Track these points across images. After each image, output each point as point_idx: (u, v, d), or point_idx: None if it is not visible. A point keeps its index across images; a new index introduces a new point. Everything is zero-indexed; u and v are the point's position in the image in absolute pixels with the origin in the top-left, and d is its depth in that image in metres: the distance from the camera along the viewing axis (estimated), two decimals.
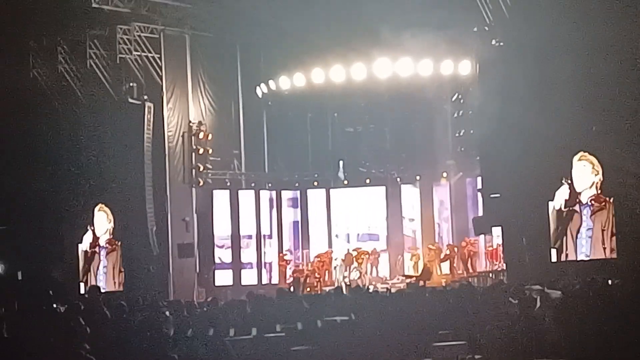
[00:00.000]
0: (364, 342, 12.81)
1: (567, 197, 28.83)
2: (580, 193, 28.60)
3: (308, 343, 13.34)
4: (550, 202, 29.10)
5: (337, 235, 41.32)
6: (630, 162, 26.77)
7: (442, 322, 15.62)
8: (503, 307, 15.96)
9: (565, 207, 28.89)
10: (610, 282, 19.04)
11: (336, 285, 36.09)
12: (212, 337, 13.30)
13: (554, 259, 29.06)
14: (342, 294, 20.48)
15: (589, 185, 28.46)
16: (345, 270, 38.85)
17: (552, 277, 24.15)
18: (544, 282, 22.03)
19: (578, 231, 28.56)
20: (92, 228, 37.34)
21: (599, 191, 28.17)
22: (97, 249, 37.29)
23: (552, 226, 29.06)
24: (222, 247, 38.82)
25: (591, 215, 28.31)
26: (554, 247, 29.02)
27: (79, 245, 37.50)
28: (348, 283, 36.31)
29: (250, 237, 39.92)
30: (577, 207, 28.63)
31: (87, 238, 37.50)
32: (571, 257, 28.74)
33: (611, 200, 27.81)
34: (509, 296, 17.16)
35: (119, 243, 36.69)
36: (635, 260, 25.33)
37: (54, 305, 17.19)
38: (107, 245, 36.97)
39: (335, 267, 39.19)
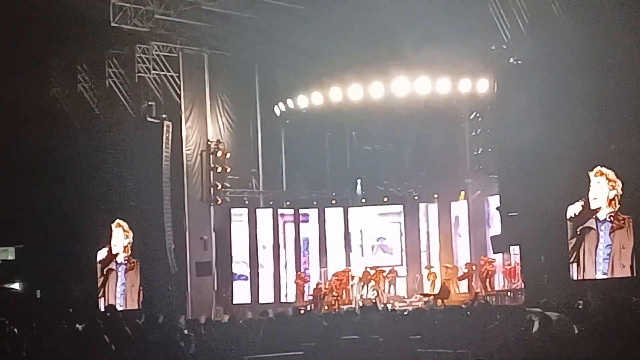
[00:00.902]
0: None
1: (583, 215, 28.72)
2: (597, 209, 28.51)
3: None
4: (568, 221, 29.02)
5: (351, 251, 41.33)
6: None
7: (461, 341, 15.59)
8: (521, 325, 15.92)
9: (582, 225, 28.78)
10: (634, 299, 18.98)
11: (354, 303, 36.09)
12: (230, 356, 13.33)
13: (573, 277, 28.95)
14: (360, 312, 20.48)
15: (606, 202, 28.36)
16: (363, 289, 38.75)
17: (571, 295, 24.10)
18: (563, 301, 21.98)
19: (596, 249, 28.43)
20: (111, 246, 37.42)
21: (618, 207, 28.08)
22: (115, 267, 37.35)
23: (570, 244, 28.97)
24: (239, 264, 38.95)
25: (610, 233, 28.19)
26: (572, 263, 28.88)
27: (98, 263, 37.58)
28: (362, 303, 36.24)
29: (268, 254, 39.95)
30: (594, 225, 28.51)
31: (106, 256, 37.56)
32: (590, 276, 28.62)
33: (630, 219, 27.70)
34: (528, 315, 17.12)
35: (137, 261, 36.75)
36: None
37: (73, 324, 17.25)
38: (126, 263, 37.03)
39: (352, 286, 39.08)
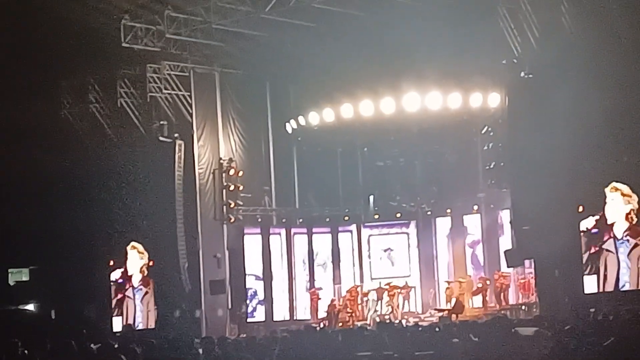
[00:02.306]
0: None
1: (598, 229, 28.64)
2: (613, 225, 28.43)
3: None
4: (582, 234, 28.95)
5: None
6: None
7: (476, 356, 15.54)
8: (536, 340, 15.88)
9: (599, 243, 28.64)
10: None
11: (369, 320, 36.07)
12: None
13: (587, 290, 28.86)
14: (376, 328, 20.44)
15: (622, 217, 28.28)
16: (377, 305, 38.69)
17: (585, 309, 24.05)
18: (579, 314, 21.93)
19: (616, 269, 28.26)
20: (125, 266, 37.48)
21: (635, 221, 27.99)
22: (129, 287, 37.41)
23: (584, 257, 28.88)
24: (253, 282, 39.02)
25: (629, 254, 28.03)
26: (587, 274, 28.76)
27: (112, 283, 37.64)
28: (379, 319, 36.20)
29: (281, 272, 40.00)
30: (612, 247, 28.32)
31: (120, 276, 37.62)
32: (607, 289, 28.51)
33: None
34: (543, 329, 17.07)
35: (152, 280, 36.79)
36: None
37: (87, 344, 17.25)
38: (141, 283, 37.08)
39: (367, 301, 39.02)
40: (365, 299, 39.15)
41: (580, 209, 28.94)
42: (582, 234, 28.94)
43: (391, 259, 41.69)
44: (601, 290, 28.54)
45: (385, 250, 41.72)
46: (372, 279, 40.80)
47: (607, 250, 28.39)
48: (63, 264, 36.26)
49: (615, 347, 12.72)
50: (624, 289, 28.15)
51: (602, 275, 28.43)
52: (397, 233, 41.78)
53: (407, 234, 41.70)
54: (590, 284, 28.87)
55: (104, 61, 36.05)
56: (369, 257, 41.64)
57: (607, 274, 28.33)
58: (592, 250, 28.61)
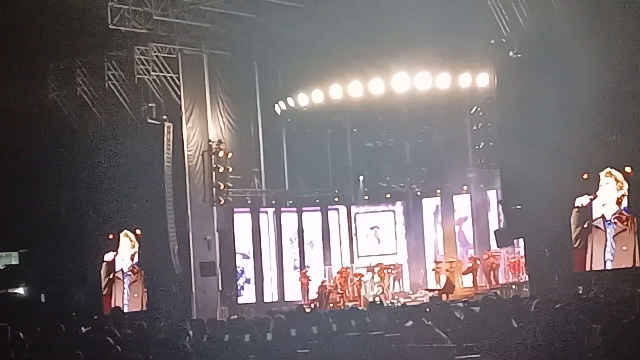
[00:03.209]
0: (387, 357, 12.77)
1: (591, 208, 28.73)
2: (604, 206, 28.51)
3: (332, 359, 13.32)
4: (575, 210, 29.03)
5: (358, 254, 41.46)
6: None
7: (466, 335, 15.56)
8: (526, 318, 15.91)
9: (591, 220, 28.75)
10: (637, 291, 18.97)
11: (361, 301, 36.13)
12: (236, 355, 13.30)
13: (577, 269, 28.93)
14: (367, 309, 20.47)
15: (613, 201, 28.37)
16: (375, 285, 38.76)
17: (575, 288, 24.12)
18: (569, 293, 21.99)
19: (604, 251, 28.42)
20: (115, 249, 37.41)
21: (623, 207, 28.08)
22: (121, 275, 37.34)
23: (575, 232, 28.96)
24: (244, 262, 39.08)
25: (614, 236, 28.20)
26: (576, 248, 28.88)
27: (102, 266, 37.56)
28: (377, 299, 36.29)
29: (271, 253, 40.03)
30: (602, 225, 28.48)
31: (110, 258, 37.55)
32: (595, 267, 28.60)
33: (634, 219, 27.71)
34: (532, 307, 17.10)
35: (142, 263, 36.72)
36: None
37: (77, 327, 17.25)
38: (130, 270, 37.01)
39: (365, 282, 39.08)
40: (364, 280, 39.13)
41: (570, 188, 28.93)
42: (576, 209, 28.99)
43: (377, 237, 41.80)
44: (590, 267, 28.61)
45: (371, 228, 41.83)
46: (358, 256, 40.98)
47: (597, 227, 28.50)
48: (52, 248, 36.24)
49: (604, 327, 12.75)
50: (608, 267, 28.27)
51: (590, 250, 28.55)
52: (383, 211, 41.87)
53: (394, 211, 41.87)
54: (579, 260, 28.92)
55: (91, 43, 35.92)
56: (355, 235, 41.71)
57: (594, 250, 28.46)
58: (585, 226, 28.71)
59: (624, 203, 28.12)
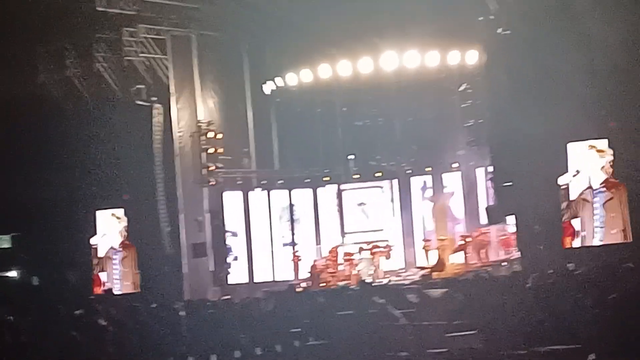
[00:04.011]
0: (379, 334, 12.84)
1: (577, 183, 28.79)
2: (590, 178, 28.58)
3: (323, 337, 13.39)
4: (560, 187, 29.09)
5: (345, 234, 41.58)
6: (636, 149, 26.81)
7: (457, 313, 15.65)
8: (517, 295, 16.00)
9: (577, 193, 28.84)
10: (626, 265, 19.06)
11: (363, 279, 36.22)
12: (228, 335, 13.37)
13: (567, 245, 29.01)
14: (358, 287, 20.51)
15: (598, 170, 28.45)
16: (369, 264, 38.83)
17: (566, 264, 24.18)
18: (560, 269, 22.06)
19: (591, 216, 28.54)
20: (106, 231, 37.35)
21: (610, 174, 28.18)
22: (111, 252, 37.27)
23: (563, 208, 29.05)
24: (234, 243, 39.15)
25: (604, 203, 28.30)
26: (566, 220, 28.98)
27: (93, 248, 37.52)
28: (371, 278, 36.45)
29: (263, 233, 40.12)
30: (589, 197, 28.58)
31: (101, 241, 37.49)
32: (586, 243, 28.69)
33: (623, 185, 27.80)
34: (524, 284, 17.20)
35: (132, 245, 36.66)
36: None
37: (71, 310, 17.28)
38: (122, 247, 36.93)
39: (360, 260, 39.17)
40: (359, 257, 39.21)
41: (561, 164, 28.97)
42: (560, 187, 29.05)
43: (365, 213, 41.90)
44: (580, 241, 28.70)
45: (359, 205, 41.92)
46: (345, 233, 41.07)
47: (585, 199, 28.60)
48: (45, 231, 36.19)
49: (595, 303, 12.82)
50: (597, 236, 28.37)
51: (581, 223, 28.65)
52: (370, 187, 41.94)
53: (381, 187, 41.95)
54: (569, 234, 28.99)
55: (79, 26, 35.76)
56: (341, 211, 41.79)
57: (585, 223, 28.57)
58: (571, 199, 28.79)
59: (610, 170, 28.24)
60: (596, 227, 28.13)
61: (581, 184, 28.46)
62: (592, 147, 28.34)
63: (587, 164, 28.39)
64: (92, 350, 11.54)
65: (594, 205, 28.25)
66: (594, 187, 28.45)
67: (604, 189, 28.17)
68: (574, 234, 28.62)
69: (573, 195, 28.69)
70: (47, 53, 37.74)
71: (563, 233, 28.85)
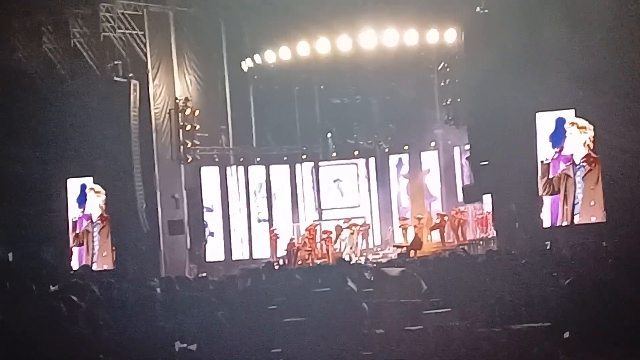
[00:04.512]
0: (356, 311, 12.85)
1: (558, 159, 28.93)
2: (572, 155, 28.73)
3: (301, 315, 13.39)
4: (541, 163, 29.22)
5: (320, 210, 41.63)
6: (618, 125, 26.91)
7: (433, 290, 15.69)
8: (493, 273, 16.06)
9: (558, 168, 28.99)
10: (603, 244, 19.19)
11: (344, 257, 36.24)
12: (204, 312, 13.33)
13: (545, 224, 29.14)
14: (337, 265, 20.56)
15: (580, 146, 28.63)
16: (336, 242, 38.88)
17: (543, 243, 24.31)
18: (536, 248, 22.16)
19: (572, 192, 28.73)
20: (84, 205, 37.20)
21: (591, 149, 28.36)
22: (88, 222, 37.10)
23: (542, 181, 29.17)
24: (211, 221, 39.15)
25: (583, 177, 28.52)
26: (545, 195, 29.13)
27: (69, 225, 37.38)
28: (354, 256, 36.66)
29: (240, 211, 40.11)
30: (571, 172, 28.75)
31: (80, 215, 37.33)
32: (565, 222, 28.84)
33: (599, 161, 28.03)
34: (499, 263, 17.25)
35: (109, 222, 36.53)
36: (623, 223, 25.56)
37: (46, 286, 17.21)
38: (99, 218, 36.75)
39: (342, 240, 39.22)
40: (342, 236, 39.26)
41: (537, 142, 29.06)
42: (541, 163, 29.17)
43: (340, 190, 41.98)
44: (559, 216, 28.87)
45: (334, 181, 41.99)
46: (321, 209, 41.12)
47: (567, 174, 28.78)
48: (20, 207, 35.97)
49: (569, 282, 12.87)
50: (576, 214, 28.54)
51: (563, 196, 28.83)
52: (345, 164, 41.98)
53: (356, 164, 42.03)
54: (549, 207, 29.15)
55: (56, 1, 35.52)
56: (318, 188, 41.83)
57: (566, 196, 28.75)
58: (551, 176, 28.95)
59: (591, 145, 28.43)
60: (576, 200, 28.37)
61: (563, 160, 28.74)
62: (573, 123, 28.52)
63: (570, 141, 28.64)
64: (66, 326, 11.46)
65: (576, 180, 28.49)
66: (576, 163, 28.65)
67: (585, 163, 28.40)
68: (552, 210, 28.82)
69: (554, 171, 28.90)
70: (23, 28, 37.41)
71: (540, 211, 29.02)
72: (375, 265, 22.69)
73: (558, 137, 29.07)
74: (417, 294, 15.31)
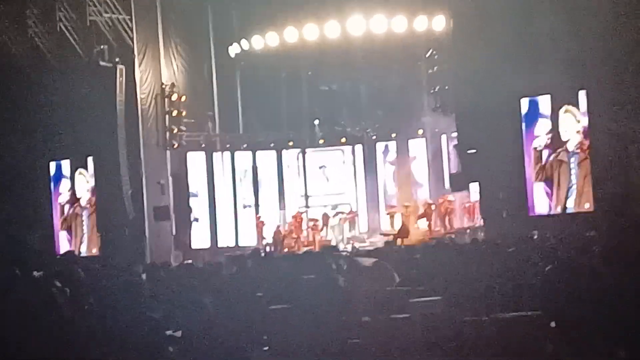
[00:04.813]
0: (342, 299, 12.78)
1: (552, 145, 28.94)
2: (567, 142, 28.75)
3: (286, 302, 13.32)
4: (534, 150, 29.23)
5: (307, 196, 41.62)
6: (607, 114, 26.91)
7: (420, 279, 15.62)
8: (480, 262, 15.99)
9: (553, 154, 29.01)
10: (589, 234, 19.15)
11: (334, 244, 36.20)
12: (189, 299, 13.24)
13: (536, 211, 29.19)
14: (323, 253, 20.47)
15: (574, 133, 28.66)
16: (322, 230, 38.87)
17: (530, 231, 24.27)
18: (523, 237, 22.12)
19: (566, 179, 28.78)
20: (73, 189, 37.07)
21: (584, 137, 28.42)
22: (77, 206, 36.96)
23: (536, 168, 29.19)
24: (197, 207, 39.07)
25: (578, 164, 28.60)
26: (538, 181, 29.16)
27: (55, 209, 37.25)
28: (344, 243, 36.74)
29: (225, 198, 40.04)
30: (565, 157, 28.80)
31: (68, 198, 37.18)
32: (559, 208, 28.89)
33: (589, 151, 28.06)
34: (487, 251, 17.20)
35: (95, 208, 36.41)
36: (612, 213, 25.56)
37: (30, 271, 17.08)
38: (88, 202, 36.59)
39: (332, 227, 39.21)
40: (331, 224, 39.25)
41: (526, 130, 29.06)
42: (534, 150, 29.18)
43: (326, 176, 41.97)
44: (552, 206, 28.91)
45: (320, 167, 41.97)
46: (307, 195, 41.09)
47: (561, 160, 28.82)
48: (4, 191, 35.83)
49: (556, 271, 12.81)
50: (570, 201, 28.59)
51: (556, 182, 28.88)
52: (331, 150, 41.94)
53: (342, 150, 41.99)
54: (539, 195, 29.17)
55: None
56: (303, 175, 41.81)
57: (561, 183, 28.80)
58: (544, 162, 28.99)
59: (583, 134, 28.48)
60: (571, 186, 28.43)
61: (557, 146, 28.77)
62: (567, 110, 28.58)
63: (564, 127, 28.71)
64: (51, 312, 11.37)
65: (571, 166, 28.55)
66: (570, 150, 28.69)
67: (579, 150, 28.46)
68: (544, 197, 28.88)
69: (549, 155, 28.96)
70: (8, 12, 37.17)
71: (527, 200, 29.05)
72: (348, 254, 22.64)
73: (530, 119, 29.20)
74: (390, 285, 15.24)
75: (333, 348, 12.20)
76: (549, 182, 29.07)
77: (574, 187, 28.60)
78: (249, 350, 12.41)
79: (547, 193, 29.07)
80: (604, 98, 26.95)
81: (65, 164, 36.60)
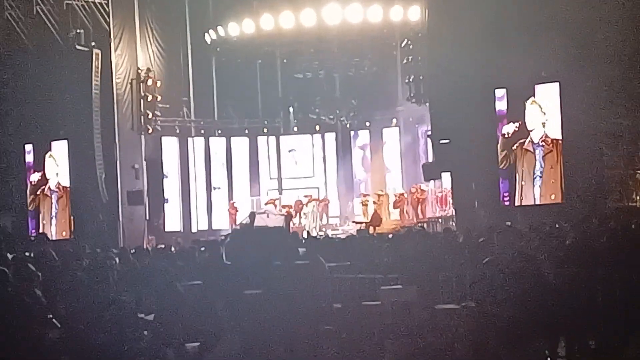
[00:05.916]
0: (315, 285, 12.92)
1: (518, 134, 29.12)
2: (531, 131, 28.92)
3: (260, 287, 13.42)
4: (502, 137, 29.39)
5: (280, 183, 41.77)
6: (575, 108, 27.12)
7: (391, 267, 15.77)
8: (451, 251, 16.16)
9: (518, 142, 29.18)
10: (557, 225, 19.33)
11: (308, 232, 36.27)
12: (162, 283, 13.31)
13: (504, 202, 29.35)
14: (298, 239, 20.60)
15: (539, 125, 28.84)
16: (295, 217, 38.93)
17: (502, 222, 24.42)
18: (494, 226, 22.29)
19: (531, 168, 28.95)
20: (43, 171, 36.94)
21: (547, 131, 28.62)
22: (47, 188, 36.83)
23: (501, 155, 29.35)
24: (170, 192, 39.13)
25: (543, 156, 28.75)
26: (503, 168, 29.33)
27: (28, 186, 37.08)
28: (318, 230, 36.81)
29: (199, 183, 40.11)
30: (531, 147, 28.97)
31: (36, 179, 37.05)
32: (525, 202, 29.04)
33: (559, 142, 28.21)
34: (457, 241, 17.36)
35: (68, 190, 36.28)
36: (580, 204, 25.80)
37: (3, 253, 17.11)
38: (57, 186, 36.48)
39: (305, 214, 39.29)
40: (304, 211, 39.31)
41: (499, 122, 29.26)
42: (502, 136, 29.35)
43: (295, 159, 42.10)
44: (519, 192, 29.09)
45: (289, 151, 42.09)
46: (281, 178, 41.22)
47: (527, 149, 29.00)
48: None
49: (528, 260, 12.97)
50: (537, 190, 28.79)
51: (521, 171, 29.05)
52: (302, 134, 42.08)
53: (311, 134, 42.08)
54: (507, 185, 29.35)
55: None
56: (277, 162, 41.91)
57: (525, 171, 28.98)
58: (512, 148, 29.18)
59: (547, 127, 28.66)
60: (535, 177, 28.60)
61: (522, 135, 28.97)
62: (534, 102, 28.75)
63: (530, 118, 28.89)
64: (23, 295, 11.40)
65: (536, 157, 28.73)
66: (535, 141, 28.87)
67: (543, 143, 28.62)
68: (514, 185, 29.06)
69: (511, 146, 29.14)
70: None
71: (499, 190, 29.23)
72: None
73: (502, 109, 29.43)
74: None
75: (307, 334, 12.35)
76: (513, 171, 29.25)
77: (539, 178, 28.82)
78: (221, 334, 12.52)
79: (512, 181, 29.27)
80: (577, 90, 27.15)
81: (39, 147, 36.42)
